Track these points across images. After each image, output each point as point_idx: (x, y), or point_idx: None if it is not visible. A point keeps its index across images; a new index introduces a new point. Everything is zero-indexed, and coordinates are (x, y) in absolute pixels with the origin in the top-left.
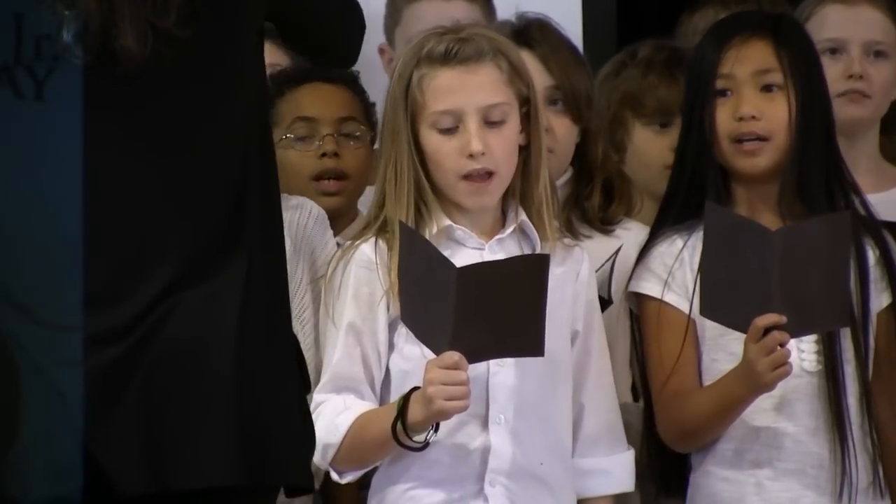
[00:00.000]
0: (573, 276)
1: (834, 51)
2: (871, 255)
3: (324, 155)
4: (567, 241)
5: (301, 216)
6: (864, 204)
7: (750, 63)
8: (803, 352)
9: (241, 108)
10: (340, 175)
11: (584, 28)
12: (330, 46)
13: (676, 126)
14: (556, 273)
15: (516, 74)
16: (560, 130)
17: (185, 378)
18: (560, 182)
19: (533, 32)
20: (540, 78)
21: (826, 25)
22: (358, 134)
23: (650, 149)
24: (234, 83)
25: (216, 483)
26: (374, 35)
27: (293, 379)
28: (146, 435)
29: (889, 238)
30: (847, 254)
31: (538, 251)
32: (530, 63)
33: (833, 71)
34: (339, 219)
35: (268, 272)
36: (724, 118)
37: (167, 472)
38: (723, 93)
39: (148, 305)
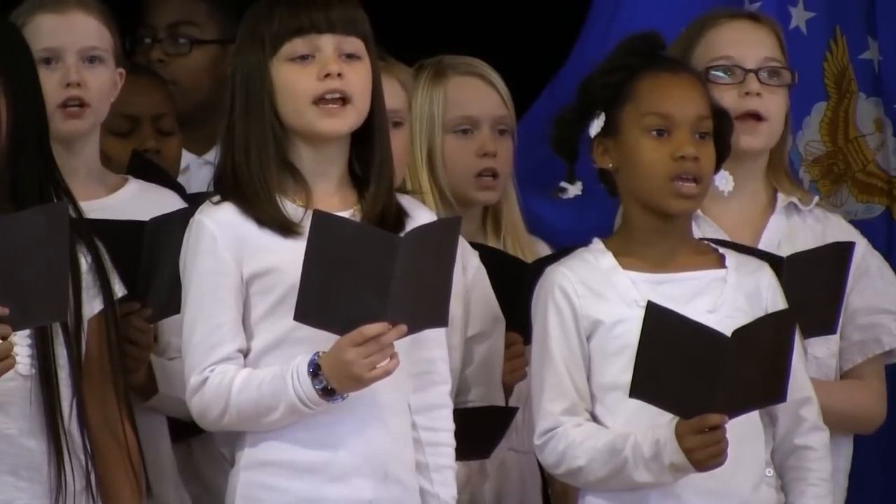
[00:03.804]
0: None
1: (48, 60)
2: (84, 262)
3: None
4: None
5: None
6: None
7: None
8: (18, 355)
9: None
10: None
11: None
12: None
13: None
14: None
15: None
16: None
17: None
18: None
19: None
20: None
21: (42, 34)
22: None
23: None
24: None
25: None
26: None
27: None
28: None
29: (101, 246)
30: (64, 245)
31: None
32: None
33: (51, 82)
34: None
35: None
36: None
37: None
38: None
39: None
